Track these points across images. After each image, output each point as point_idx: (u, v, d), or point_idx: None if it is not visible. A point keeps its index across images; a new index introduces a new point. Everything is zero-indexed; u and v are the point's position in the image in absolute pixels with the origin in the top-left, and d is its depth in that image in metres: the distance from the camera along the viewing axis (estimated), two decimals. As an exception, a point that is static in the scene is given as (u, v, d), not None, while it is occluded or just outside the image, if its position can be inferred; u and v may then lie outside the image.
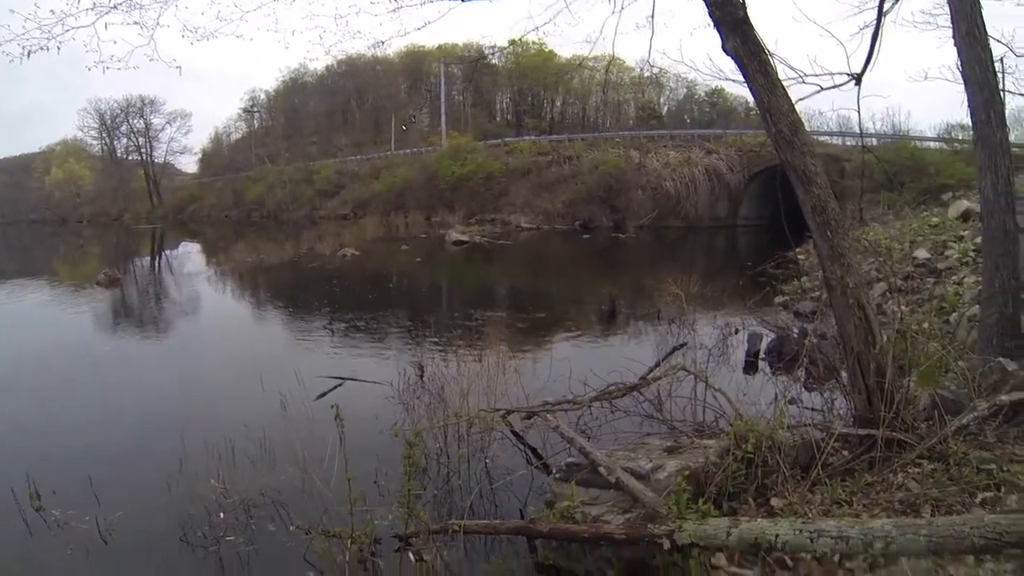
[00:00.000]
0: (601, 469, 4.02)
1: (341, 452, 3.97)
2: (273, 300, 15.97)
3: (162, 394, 7.45)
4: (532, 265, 23.27)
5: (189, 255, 27.56)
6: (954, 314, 7.89)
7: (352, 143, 54.45)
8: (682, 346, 7.02)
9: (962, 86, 5.95)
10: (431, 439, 5.19)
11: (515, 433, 5.80)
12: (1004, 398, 4.41)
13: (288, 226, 37.56)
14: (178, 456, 4.99)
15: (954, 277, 9.59)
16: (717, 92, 57.13)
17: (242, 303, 15.96)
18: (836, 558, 2.90)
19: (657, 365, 6.23)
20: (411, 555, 3.81)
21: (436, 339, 10.07)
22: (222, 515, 4.34)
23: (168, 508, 4.51)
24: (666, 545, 3.17)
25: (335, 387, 7.17)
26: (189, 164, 65.88)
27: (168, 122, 59.80)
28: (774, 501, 3.64)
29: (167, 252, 30.06)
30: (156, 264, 26.05)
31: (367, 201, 40.13)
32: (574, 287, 17.22)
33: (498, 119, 59.88)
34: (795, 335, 8.08)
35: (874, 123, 32.44)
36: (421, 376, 7.06)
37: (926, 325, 7.02)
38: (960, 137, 22.62)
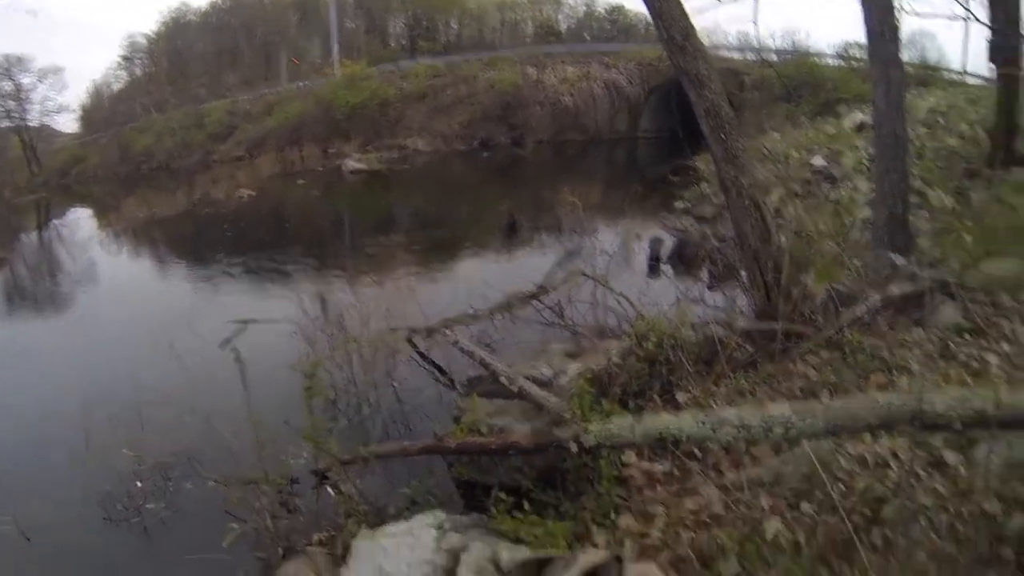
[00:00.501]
0: (503, 379, 3.85)
1: (247, 398, 3.83)
2: (169, 254, 14.78)
3: (61, 373, 6.76)
4: (431, 187, 22.63)
5: (78, 221, 24.72)
6: (848, 217, 8.12)
7: (242, 81, 50.25)
8: (578, 251, 6.90)
9: (859, 4, 5.98)
10: (337, 369, 4.98)
11: (421, 354, 5.66)
12: (894, 290, 4.61)
13: (181, 175, 34.70)
14: (85, 434, 4.61)
15: (849, 183, 9.86)
16: (617, 9, 56.09)
17: (137, 263, 14.65)
18: (742, 446, 2.85)
19: (554, 271, 6.06)
20: (329, 489, 3.67)
21: (337, 270, 9.66)
22: (139, 484, 4.18)
23: (84, 490, 4.24)
24: (573, 448, 3.02)
25: (237, 333, 6.72)
26: (69, 123, 58.40)
27: (39, 80, 52.15)
28: (680, 396, 3.60)
29: (55, 221, 27.00)
30: (43, 236, 23.34)
31: (262, 140, 37.69)
32: (474, 206, 16.85)
33: (392, 45, 56.80)
34: (696, 238, 8.12)
35: (774, 40, 32.85)
36: (323, 308, 6.65)
37: (822, 227, 7.17)
38: (857, 55, 23.17)
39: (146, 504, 4.02)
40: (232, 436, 4.01)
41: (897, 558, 2.50)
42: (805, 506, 2.75)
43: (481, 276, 7.28)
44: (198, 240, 15.68)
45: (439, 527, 3.03)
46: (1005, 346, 3.76)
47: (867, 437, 3.06)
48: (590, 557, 2.15)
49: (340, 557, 3.13)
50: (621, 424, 2.92)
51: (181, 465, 4.32)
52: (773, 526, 2.64)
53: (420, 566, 2.84)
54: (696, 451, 3.08)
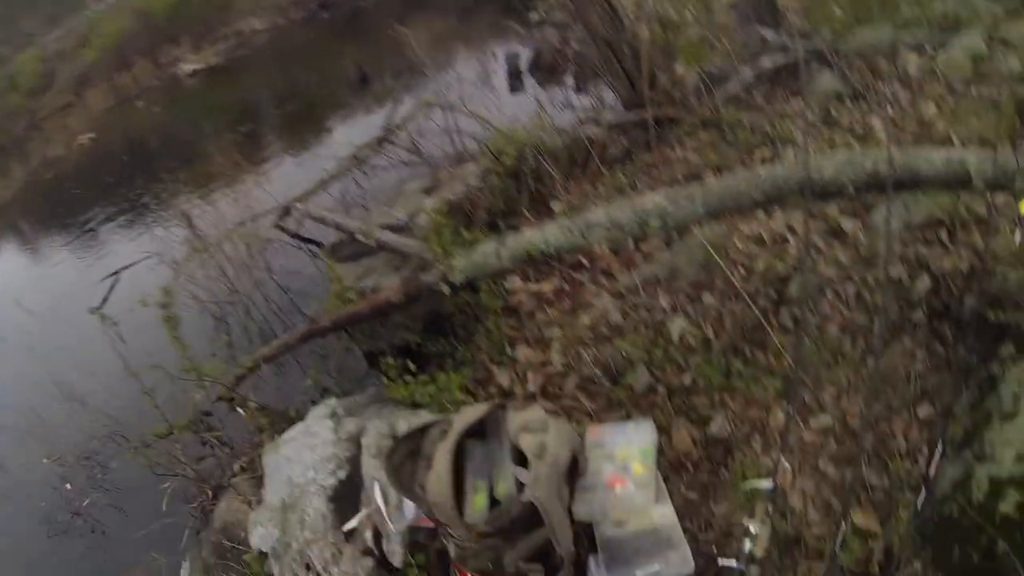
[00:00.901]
0: (359, 236, 3.26)
1: (123, 353, 3.37)
2: (17, 240, 12.35)
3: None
4: (275, 65, 20.23)
5: None
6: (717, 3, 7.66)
7: (47, 20, 41.36)
8: (426, 82, 6.12)
9: None
10: (214, 282, 4.36)
11: (295, 235, 4.90)
12: (767, 63, 4.34)
13: (11, 150, 29.15)
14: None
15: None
16: None
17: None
18: (629, 244, 2.49)
19: (399, 109, 5.30)
20: (240, 410, 3.19)
21: (192, 183, 8.30)
22: (69, 486, 3.64)
23: (18, 514, 3.69)
24: (445, 290, 2.54)
25: (110, 290, 5.59)
26: None
27: None
28: (554, 205, 3.16)
29: None
30: None
31: (85, 76, 31.71)
32: (322, 71, 15.12)
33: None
34: (554, 45, 7.44)
35: None
36: (187, 226, 5.63)
37: (687, 14, 6.69)
38: None
39: (83, 503, 3.54)
40: (137, 398, 3.39)
41: (809, 335, 2.28)
42: (708, 298, 2.45)
43: (340, 137, 6.61)
44: (46, 212, 13.33)
45: (332, 416, 2.56)
46: (888, 109, 3.54)
47: (760, 215, 2.78)
48: (466, 416, 1.76)
49: (260, 478, 2.72)
50: (485, 251, 2.45)
51: (102, 450, 3.78)
52: (678, 326, 2.32)
53: (323, 464, 2.39)
54: (584, 260, 2.69)
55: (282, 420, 2.95)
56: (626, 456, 1.95)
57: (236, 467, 2.98)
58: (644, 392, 2.25)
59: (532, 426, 1.65)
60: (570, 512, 1.86)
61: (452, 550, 1.82)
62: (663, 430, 2.16)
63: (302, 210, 4.38)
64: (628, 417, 2.18)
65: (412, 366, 2.53)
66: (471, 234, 2.62)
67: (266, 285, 4.36)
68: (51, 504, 3.58)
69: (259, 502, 2.61)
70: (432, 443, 1.75)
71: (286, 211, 4.73)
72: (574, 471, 1.79)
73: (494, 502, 1.74)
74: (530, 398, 2.32)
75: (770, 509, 1.77)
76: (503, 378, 2.41)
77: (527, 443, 1.62)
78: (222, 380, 3.13)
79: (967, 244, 2.40)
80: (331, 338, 3.34)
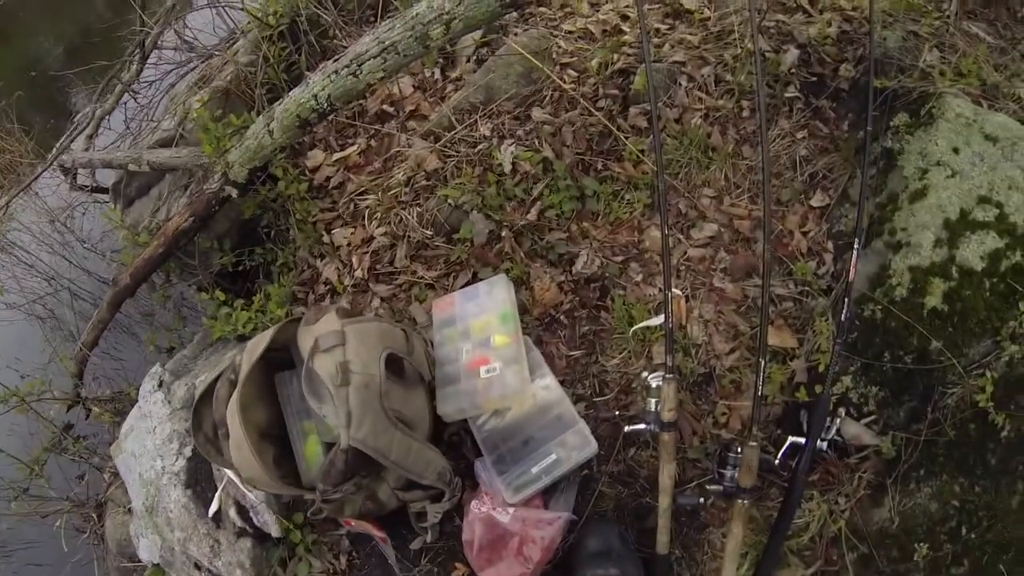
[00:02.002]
0: (131, 166, 2.65)
1: None
2: None
3: None
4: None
5: None
6: None
7: None
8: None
9: None
10: (24, 280, 3.62)
11: (96, 190, 4.08)
12: None
13: None
14: None
15: None
16: None
17: None
18: (436, 73, 2.01)
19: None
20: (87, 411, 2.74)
21: None
22: None
23: None
24: (232, 193, 2.04)
25: None
26: None
27: None
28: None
29: None
30: None
31: None
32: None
33: None
34: None
35: None
36: None
37: None
38: None
39: None
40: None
41: (669, 132, 1.90)
42: (538, 113, 2.00)
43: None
44: None
45: (160, 386, 2.12)
46: None
47: (584, 5, 2.30)
48: (253, 352, 1.34)
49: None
50: (256, 133, 1.92)
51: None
52: (508, 154, 1.89)
53: (166, 448, 1.98)
54: (388, 107, 2.19)
55: (128, 405, 2.47)
56: (484, 328, 1.59)
57: (107, 477, 2.57)
58: (486, 243, 1.85)
59: (325, 343, 1.24)
60: (436, 418, 1.53)
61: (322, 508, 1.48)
62: (521, 284, 1.79)
63: (81, 160, 3.65)
64: (476, 278, 1.80)
65: (222, 295, 2.08)
66: (239, 119, 2.06)
67: (87, 257, 3.73)
68: None
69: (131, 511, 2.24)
70: (220, 402, 1.34)
71: (66, 171, 3.96)
72: (400, 368, 1.42)
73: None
74: (361, 286, 1.91)
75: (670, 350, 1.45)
76: (329, 271, 1.98)
77: (323, 368, 1.22)
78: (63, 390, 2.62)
79: (833, 7, 2.03)
80: (151, 292, 2.84)
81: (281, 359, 1.45)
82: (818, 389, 1.54)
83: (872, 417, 1.54)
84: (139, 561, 2.08)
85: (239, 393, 1.29)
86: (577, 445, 1.44)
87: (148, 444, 2.05)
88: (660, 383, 1.45)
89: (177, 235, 2.25)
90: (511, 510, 1.42)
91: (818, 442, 1.43)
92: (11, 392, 2.54)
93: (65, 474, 2.76)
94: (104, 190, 3.79)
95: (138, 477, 2.05)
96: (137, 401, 2.19)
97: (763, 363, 1.43)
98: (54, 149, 3.81)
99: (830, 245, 1.74)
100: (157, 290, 2.72)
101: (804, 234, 1.78)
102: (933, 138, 1.62)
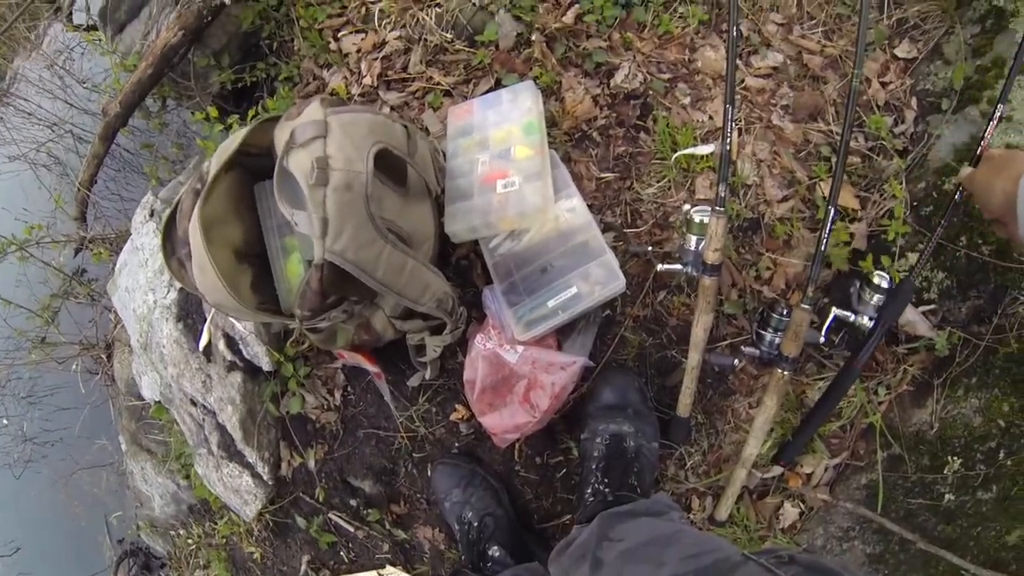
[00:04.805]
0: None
1: None
2: None
3: None
4: None
5: None
6: None
7: None
8: None
9: None
10: (23, 130, 3.35)
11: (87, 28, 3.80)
12: None
13: None
14: None
15: None
16: None
17: None
18: None
19: None
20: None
21: None
22: (5, 421, 3.01)
23: None
24: (225, 0, 1.81)
25: None
26: None
27: None
28: None
29: None
30: None
31: None
32: None
33: None
34: None
35: None
36: None
37: None
38: None
39: (23, 426, 2.97)
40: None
41: None
42: None
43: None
44: None
45: (152, 215, 1.98)
46: None
47: None
48: (221, 156, 1.11)
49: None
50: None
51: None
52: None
53: (158, 280, 1.86)
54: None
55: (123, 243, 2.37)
56: (504, 138, 1.35)
57: (112, 316, 2.50)
58: (513, 47, 1.57)
59: (302, 136, 1.01)
60: (444, 239, 1.33)
61: (306, 337, 1.32)
62: (550, 94, 1.52)
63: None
64: (499, 86, 1.54)
65: (215, 111, 1.87)
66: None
67: (90, 100, 3.52)
68: (2, 446, 3.11)
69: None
70: (183, 215, 1.14)
71: (58, 8, 3.67)
72: (400, 174, 1.19)
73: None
74: (369, 95, 1.67)
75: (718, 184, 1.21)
76: (336, 80, 1.74)
77: (298, 165, 1.00)
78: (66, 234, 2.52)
79: None
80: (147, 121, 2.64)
81: (263, 166, 1.24)
82: (885, 261, 1.32)
83: (931, 306, 1.32)
84: (144, 399, 2.02)
85: (202, 203, 1.09)
86: (602, 279, 1.22)
87: (140, 278, 1.92)
88: (706, 218, 1.22)
89: (167, 52, 2.02)
90: (520, 349, 1.24)
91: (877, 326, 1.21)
92: (9, 241, 2.45)
93: (77, 319, 2.72)
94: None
95: (132, 313, 1.94)
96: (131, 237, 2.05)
97: (831, 211, 1.19)
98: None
99: (913, 102, 1.45)
100: (153, 117, 2.52)
101: (883, 85, 1.48)
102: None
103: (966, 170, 1.02)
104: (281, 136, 1.08)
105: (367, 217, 1.00)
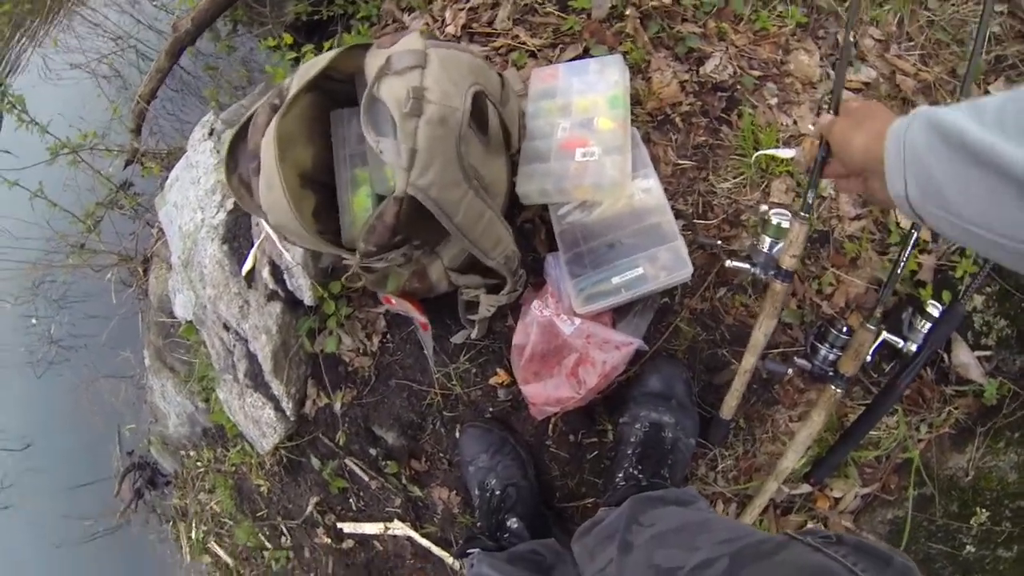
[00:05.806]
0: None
1: None
2: None
3: None
4: None
5: None
6: None
7: None
8: None
9: None
10: (90, 40, 3.39)
11: None
12: None
13: None
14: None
15: None
16: None
17: None
18: None
19: None
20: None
21: None
22: (34, 321, 3.03)
23: (7, 365, 3.01)
24: None
25: None
26: None
27: None
28: None
29: None
30: None
31: None
32: None
33: None
34: None
35: None
36: None
37: None
38: None
39: (50, 329, 2.98)
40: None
41: None
42: None
43: None
44: None
45: (211, 134, 1.96)
46: None
47: None
48: (305, 75, 1.08)
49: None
50: None
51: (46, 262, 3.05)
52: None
53: (209, 199, 1.85)
54: None
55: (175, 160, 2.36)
56: (588, 108, 1.32)
57: (155, 231, 2.51)
58: (606, 19, 1.54)
59: (399, 64, 0.99)
60: (513, 198, 1.30)
61: (359, 275, 1.30)
62: (638, 71, 1.49)
63: None
64: (587, 55, 1.50)
65: (289, 38, 1.85)
66: None
67: (157, 18, 3.52)
68: (28, 344, 3.16)
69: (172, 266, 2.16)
70: (257, 129, 1.12)
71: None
72: (483, 123, 1.16)
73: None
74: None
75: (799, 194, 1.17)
76: (417, 25, 1.71)
77: (391, 93, 0.97)
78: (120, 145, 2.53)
79: None
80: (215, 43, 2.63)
81: (343, 93, 1.21)
82: (946, 296, 1.28)
83: (987, 352, 1.29)
84: (175, 317, 2.01)
85: (279, 118, 1.06)
86: (669, 264, 1.19)
87: (191, 195, 1.91)
88: (784, 221, 1.18)
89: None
90: (577, 321, 1.21)
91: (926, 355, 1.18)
92: (62, 143, 2.45)
93: (118, 230, 2.73)
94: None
95: (178, 229, 1.93)
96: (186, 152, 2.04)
97: (915, 235, 1.15)
98: None
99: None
100: (222, 40, 2.50)
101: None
102: None
103: (826, 117, 0.95)
104: (374, 62, 1.05)
105: (456, 156, 0.97)
